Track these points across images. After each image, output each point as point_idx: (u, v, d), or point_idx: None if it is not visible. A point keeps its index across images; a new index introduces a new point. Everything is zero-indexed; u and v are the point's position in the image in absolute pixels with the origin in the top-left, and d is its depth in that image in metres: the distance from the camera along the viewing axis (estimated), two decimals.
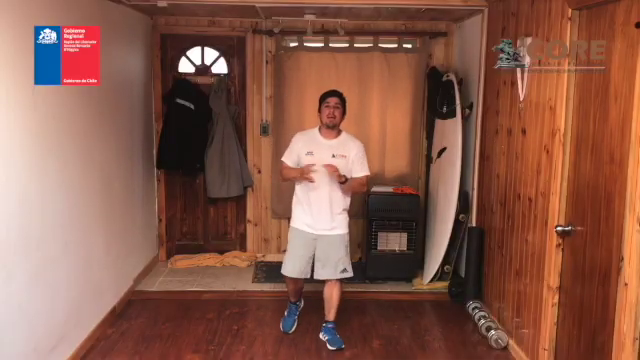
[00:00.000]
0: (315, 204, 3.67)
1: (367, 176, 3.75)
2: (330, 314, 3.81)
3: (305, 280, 3.88)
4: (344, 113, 3.70)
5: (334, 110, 3.62)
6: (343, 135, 3.73)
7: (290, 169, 3.72)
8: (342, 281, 3.80)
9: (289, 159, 3.73)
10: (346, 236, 3.75)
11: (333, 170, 3.54)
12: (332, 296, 3.78)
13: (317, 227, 3.68)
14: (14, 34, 2.73)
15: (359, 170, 3.69)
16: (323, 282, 3.79)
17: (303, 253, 3.72)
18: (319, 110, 3.70)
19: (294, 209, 3.80)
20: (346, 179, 3.59)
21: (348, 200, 3.76)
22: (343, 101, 3.70)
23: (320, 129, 3.72)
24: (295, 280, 3.83)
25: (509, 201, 3.79)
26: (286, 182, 4.02)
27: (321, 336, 3.80)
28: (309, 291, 4.06)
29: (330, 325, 3.80)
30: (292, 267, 3.74)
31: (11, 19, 2.72)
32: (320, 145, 3.67)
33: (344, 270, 3.72)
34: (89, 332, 3.69)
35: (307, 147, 3.67)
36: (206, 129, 5.31)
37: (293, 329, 3.95)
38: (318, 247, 3.71)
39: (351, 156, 3.66)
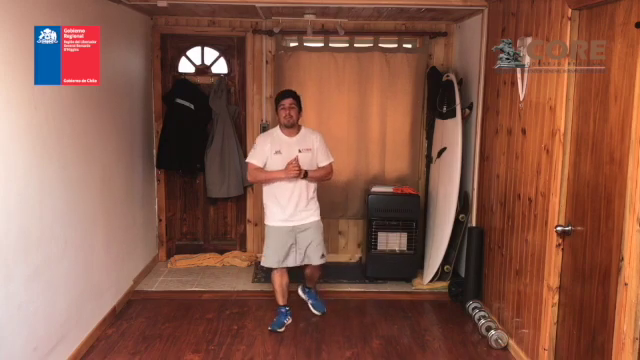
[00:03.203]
0: (286, 198, 3.89)
1: (331, 163, 4.03)
2: (311, 284, 4.28)
3: (293, 279, 4.18)
4: (300, 110, 3.94)
5: (290, 110, 3.86)
6: (303, 130, 3.98)
7: (268, 171, 3.90)
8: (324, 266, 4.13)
9: (257, 160, 3.90)
10: (320, 222, 4.01)
11: (295, 170, 3.78)
12: (314, 275, 4.18)
13: (293, 219, 3.91)
14: (14, 34, 2.73)
15: (324, 159, 3.99)
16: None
17: (282, 246, 3.93)
18: (276, 111, 3.93)
19: (267, 207, 3.99)
20: (306, 173, 3.84)
21: (316, 188, 4.00)
22: (297, 99, 3.93)
23: (281, 128, 3.94)
24: (281, 274, 4.02)
25: (509, 201, 3.79)
26: (255, 184, 4.29)
27: (301, 293, 4.29)
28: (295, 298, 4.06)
29: (313, 291, 4.26)
30: (273, 259, 3.95)
31: (11, 19, 2.72)
32: (285, 143, 3.90)
33: (322, 255, 4.01)
34: (89, 332, 3.70)
35: (274, 147, 3.88)
36: (206, 129, 5.31)
37: (282, 329, 3.99)
38: (299, 237, 3.94)
39: (315, 147, 3.94)
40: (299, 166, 3.79)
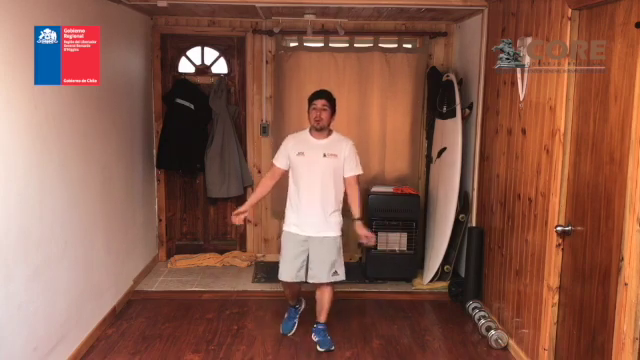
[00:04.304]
0: (306, 206, 3.66)
1: (359, 175, 3.75)
2: (321, 316, 3.82)
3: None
4: (333, 113, 3.69)
5: (321, 112, 3.61)
6: (334, 135, 3.73)
7: (260, 193, 3.81)
8: (335, 283, 3.78)
9: (279, 161, 3.74)
10: (338, 239, 3.71)
11: (370, 239, 3.76)
12: (323, 299, 3.79)
13: (308, 229, 3.66)
14: (14, 34, 2.73)
15: (352, 169, 3.70)
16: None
17: (296, 257, 3.69)
18: (308, 111, 3.70)
19: (287, 212, 3.78)
20: (360, 219, 3.72)
21: (340, 200, 3.74)
22: (332, 101, 3.68)
23: (310, 130, 3.71)
24: (290, 284, 3.82)
25: (509, 201, 3.79)
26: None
27: (313, 337, 3.82)
28: (311, 291, 4.03)
29: (320, 326, 3.81)
30: (286, 272, 3.73)
31: (11, 19, 2.72)
32: (311, 146, 3.67)
33: (335, 273, 3.71)
34: (89, 332, 3.70)
35: (298, 148, 3.67)
36: (206, 129, 5.31)
37: (292, 332, 3.96)
38: (310, 249, 3.68)
39: (343, 155, 3.66)
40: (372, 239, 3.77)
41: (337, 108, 3.66)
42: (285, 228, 3.76)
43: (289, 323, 3.99)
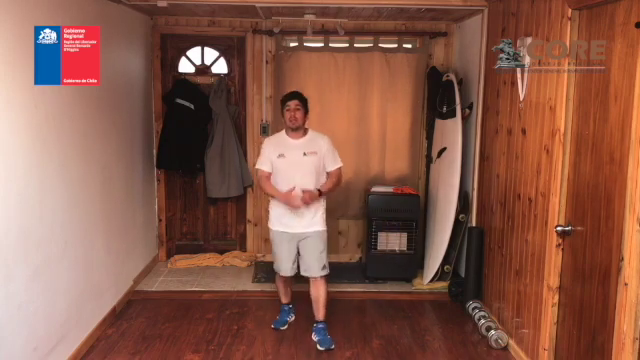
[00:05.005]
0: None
1: (340, 167, 3.88)
2: (319, 314, 3.87)
3: (297, 281, 4.05)
4: (306, 113, 3.80)
5: (295, 112, 3.72)
6: (310, 133, 3.84)
7: (273, 188, 3.78)
8: (326, 278, 3.87)
9: (265, 166, 3.81)
10: (324, 233, 3.84)
11: (307, 202, 3.69)
12: (319, 295, 3.85)
13: (295, 225, 3.78)
14: (14, 34, 2.73)
15: (331, 164, 3.82)
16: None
17: (287, 253, 3.85)
18: (282, 113, 3.79)
19: (271, 210, 3.89)
20: (320, 192, 3.73)
21: (324, 197, 3.83)
22: (303, 101, 3.79)
23: (287, 131, 3.82)
24: (284, 278, 3.97)
25: (509, 201, 3.79)
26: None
27: (313, 337, 3.85)
28: (307, 292, 4.04)
29: (320, 325, 3.85)
30: (286, 269, 3.89)
31: (11, 19, 2.72)
32: (290, 146, 3.77)
33: (323, 267, 3.82)
34: (89, 332, 3.70)
35: (278, 150, 3.76)
36: (206, 129, 5.31)
37: (285, 327, 4.03)
38: (300, 245, 3.82)
39: (322, 151, 3.78)
40: (304, 199, 3.67)
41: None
42: (273, 227, 3.87)
43: (281, 320, 4.08)
